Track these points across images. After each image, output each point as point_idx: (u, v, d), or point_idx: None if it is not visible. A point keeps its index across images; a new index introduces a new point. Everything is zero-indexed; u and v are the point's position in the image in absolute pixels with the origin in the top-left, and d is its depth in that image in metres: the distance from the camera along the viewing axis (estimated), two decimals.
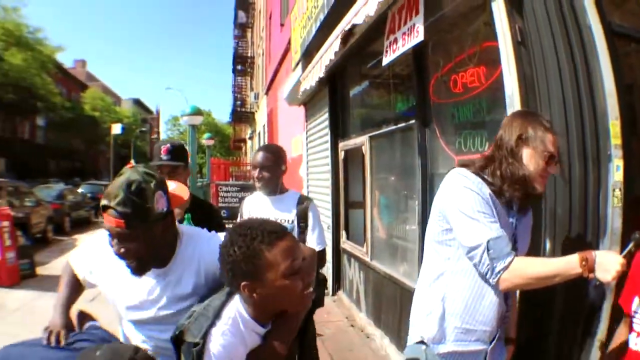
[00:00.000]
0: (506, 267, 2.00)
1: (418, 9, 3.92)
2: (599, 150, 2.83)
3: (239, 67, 36.21)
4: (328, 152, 8.24)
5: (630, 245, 1.99)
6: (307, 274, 1.77)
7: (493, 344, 2.24)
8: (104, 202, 1.79)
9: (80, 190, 24.45)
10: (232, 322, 1.72)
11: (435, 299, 2.22)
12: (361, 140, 6.74)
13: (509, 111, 3.05)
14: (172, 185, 2.19)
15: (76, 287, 2.23)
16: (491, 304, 2.17)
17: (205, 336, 1.68)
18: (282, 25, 15.83)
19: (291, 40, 9.94)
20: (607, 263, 1.84)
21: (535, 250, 2.74)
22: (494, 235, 2.00)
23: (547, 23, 2.89)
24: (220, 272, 1.81)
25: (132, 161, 2.37)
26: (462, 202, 2.09)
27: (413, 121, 4.90)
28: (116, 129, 45.75)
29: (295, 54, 8.95)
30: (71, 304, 2.19)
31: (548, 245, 2.87)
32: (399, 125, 5.38)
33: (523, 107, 2.99)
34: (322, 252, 3.74)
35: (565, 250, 2.76)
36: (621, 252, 1.99)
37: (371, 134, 6.39)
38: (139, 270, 1.91)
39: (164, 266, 1.98)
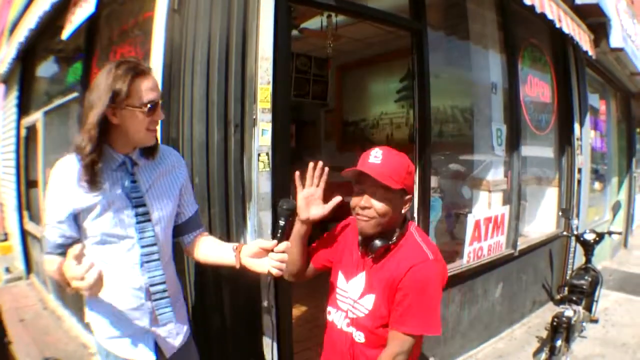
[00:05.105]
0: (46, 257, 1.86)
1: None
2: (244, 114, 2.65)
3: None
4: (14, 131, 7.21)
5: (281, 222, 1.82)
6: None
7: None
8: None
9: None
10: None
11: None
12: (36, 117, 6.01)
13: None
14: None
15: None
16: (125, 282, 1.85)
17: None
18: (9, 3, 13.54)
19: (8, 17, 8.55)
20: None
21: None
22: (45, 235, 1.85)
23: None
24: None
25: None
26: (47, 194, 1.84)
27: (76, 94, 4.40)
28: None
29: (6, 30, 7.72)
30: None
31: None
32: (66, 99, 4.88)
33: (166, 76, 2.67)
34: None
35: (214, 216, 2.60)
36: (276, 232, 1.81)
37: (45, 110, 5.72)
38: None
39: None
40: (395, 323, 1.79)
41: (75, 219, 1.79)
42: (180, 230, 2.06)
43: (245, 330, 2.77)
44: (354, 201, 1.86)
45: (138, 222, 1.81)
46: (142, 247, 1.82)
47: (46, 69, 6.53)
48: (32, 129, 6.48)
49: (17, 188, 7.07)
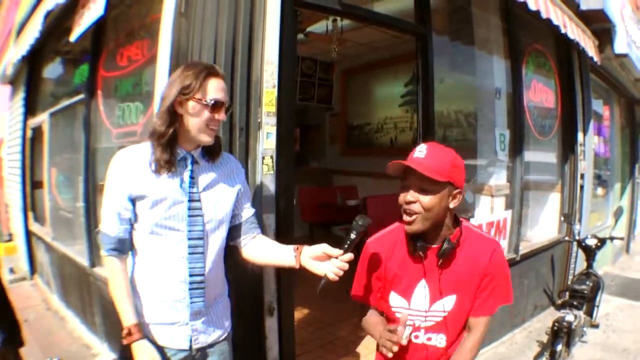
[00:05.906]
0: (105, 256, 1.92)
1: None
2: (249, 117, 2.68)
3: None
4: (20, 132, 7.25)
5: (353, 235, 1.79)
6: None
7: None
8: None
9: None
10: None
11: None
12: (42, 118, 6.06)
13: (157, 82, 2.80)
14: None
15: None
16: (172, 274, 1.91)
17: None
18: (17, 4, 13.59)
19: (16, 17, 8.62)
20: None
21: None
22: (102, 230, 1.90)
23: None
24: None
25: None
26: (107, 180, 1.90)
27: (82, 96, 4.44)
28: None
29: (13, 31, 7.79)
30: None
31: None
32: (72, 101, 4.91)
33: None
34: None
35: None
36: (344, 244, 1.80)
37: (51, 111, 5.76)
38: None
39: None
40: (480, 308, 1.90)
41: (133, 204, 1.86)
42: (236, 232, 2.11)
43: (248, 332, 2.78)
44: (401, 198, 1.84)
45: (190, 216, 1.87)
46: (189, 239, 1.88)
47: (53, 70, 6.56)
48: (38, 130, 6.52)
49: (23, 189, 7.11)
